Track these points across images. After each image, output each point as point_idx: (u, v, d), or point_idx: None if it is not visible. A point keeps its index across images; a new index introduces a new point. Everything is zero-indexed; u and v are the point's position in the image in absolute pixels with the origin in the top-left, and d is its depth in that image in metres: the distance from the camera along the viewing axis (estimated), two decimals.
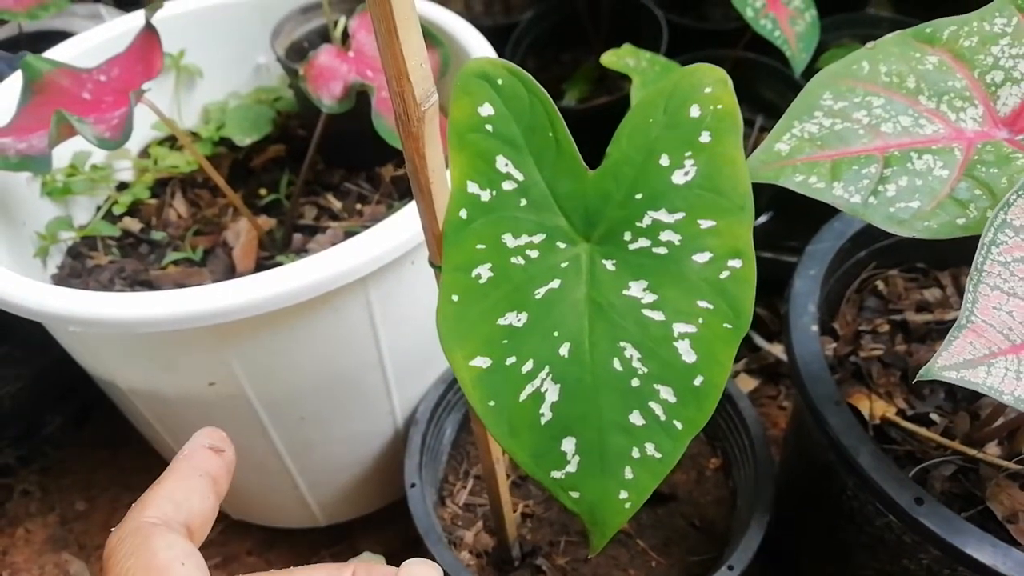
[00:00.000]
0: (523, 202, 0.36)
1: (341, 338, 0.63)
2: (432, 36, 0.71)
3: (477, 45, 0.75)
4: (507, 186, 0.36)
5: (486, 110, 0.35)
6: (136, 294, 0.53)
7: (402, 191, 0.79)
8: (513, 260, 0.36)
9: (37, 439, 0.97)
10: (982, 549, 0.50)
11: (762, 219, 0.99)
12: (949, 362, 0.34)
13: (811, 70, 0.59)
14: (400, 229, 0.57)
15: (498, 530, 0.63)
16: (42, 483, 0.96)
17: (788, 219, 0.98)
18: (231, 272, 0.73)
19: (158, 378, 0.63)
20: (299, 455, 0.73)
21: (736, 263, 0.34)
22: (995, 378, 0.34)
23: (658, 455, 0.35)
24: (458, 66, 0.75)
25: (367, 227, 0.58)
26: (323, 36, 0.80)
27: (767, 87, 1.08)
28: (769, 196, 1.00)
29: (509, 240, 0.36)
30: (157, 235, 0.76)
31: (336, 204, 0.78)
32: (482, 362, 0.35)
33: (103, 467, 0.97)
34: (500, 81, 0.35)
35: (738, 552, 0.61)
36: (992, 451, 0.60)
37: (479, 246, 0.35)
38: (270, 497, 0.82)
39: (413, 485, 0.67)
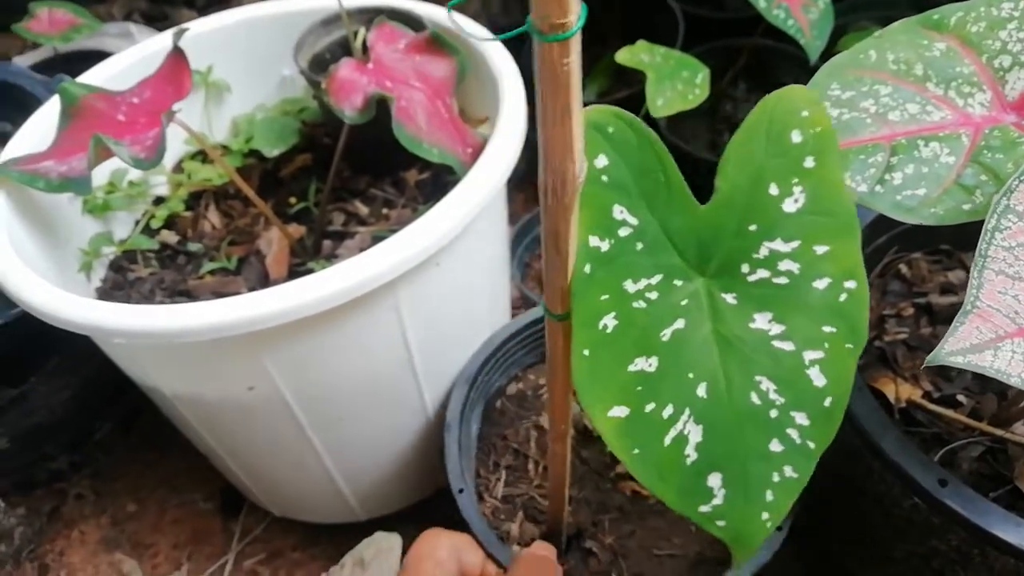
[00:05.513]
0: (639, 246, 0.36)
1: (372, 340, 0.65)
2: (448, 44, 0.73)
3: (494, 51, 0.76)
4: (623, 232, 0.36)
5: (601, 161, 0.35)
6: (177, 306, 0.56)
7: (426, 195, 0.81)
8: (635, 304, 0.36)
9: (88, 445, 1.01)
10: (1007, 529, 0.51)
11: None
12: (956, 347, 0.34)
13: (829, 54, 0.59)
14: (426, 233, 0.59)
15: (553, 514, 0.63)
16: (94, 487, 1.00)
17: None
18: (265, 280, 0.75)
19: (199, 384, 0.66)
20: (336, 453, 0.76)
21: (851, 284, 0.35)
22: (1002, 361, 0.34)
23: (795, 475, 0.35)
24: (475, 72, 0.76)
25: (394, 231, 0.60)
26: (344, 47, 0.82)
27: (787, 74, 1.08)
28: None
29: (629, 286, 0.36)
30: (193, 246, 0.79)
31: (363, 210, 0.81)
32: (620, 412, 0.35)
33: (150, 470, 1.01)
34: (611, 129, 0.35)
35: None
36: (1020, 431, 0.60)
37: (603, 297, 0.35)
38: (311, 494, 0.84)
39: (461, 490, 0.67)
